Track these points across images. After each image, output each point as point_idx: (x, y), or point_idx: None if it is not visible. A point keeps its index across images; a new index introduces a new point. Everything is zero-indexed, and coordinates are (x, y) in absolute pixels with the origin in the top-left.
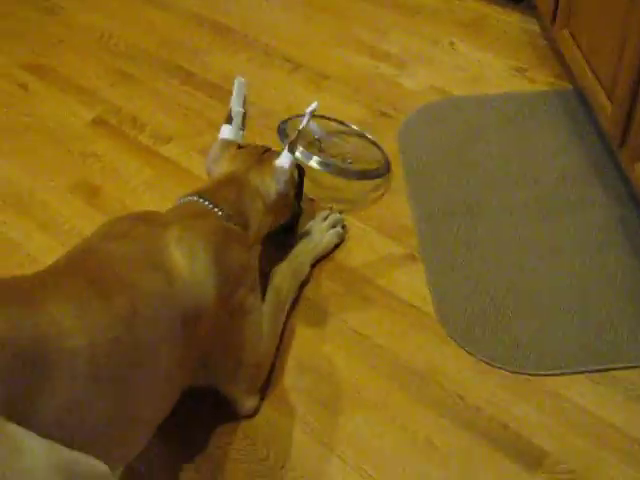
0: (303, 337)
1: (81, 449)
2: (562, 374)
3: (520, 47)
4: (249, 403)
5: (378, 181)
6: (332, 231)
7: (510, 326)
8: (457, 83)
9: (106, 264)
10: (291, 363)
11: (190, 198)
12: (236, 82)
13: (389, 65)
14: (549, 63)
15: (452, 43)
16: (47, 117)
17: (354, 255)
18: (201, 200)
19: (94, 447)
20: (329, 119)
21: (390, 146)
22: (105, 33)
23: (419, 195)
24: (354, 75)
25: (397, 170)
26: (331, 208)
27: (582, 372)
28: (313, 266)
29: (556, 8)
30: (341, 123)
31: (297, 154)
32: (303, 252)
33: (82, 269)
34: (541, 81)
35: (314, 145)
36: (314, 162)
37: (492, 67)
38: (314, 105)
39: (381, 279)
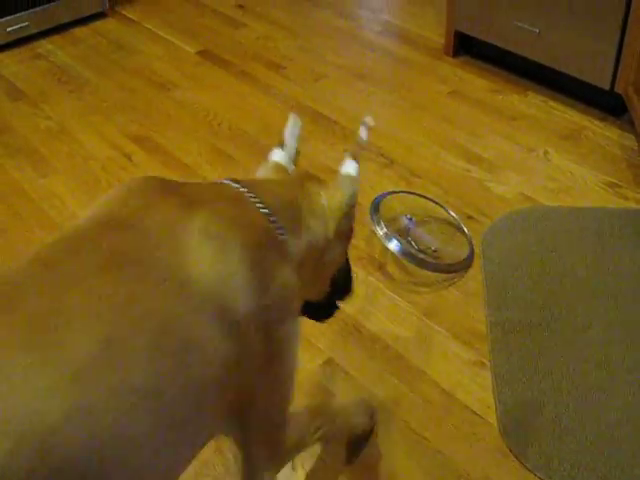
0: None
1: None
2: None
3: (615, 162)
4: (269, 474)
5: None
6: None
7: (572, 447)
8: (547, 193)
9: (95, 242)
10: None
11: (225, 182)
12: (291, 118)
13: (481, 169)
14: None
15: (547, 152)
16: None
17: (423, 355)
18: (240, 188)
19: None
20: (430, 200)
21: None
22: (210, 112)
23: (496, 301)
24: (445, 176)
25: (477, 274)
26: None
27: None
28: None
29: None
30: (440, 206)
31: (380, 233)
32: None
33: (52, 265)
34: (633, 199)
35: (403, 232)
36: (395, 248)
37: (584, 180)
38: (369, 120)
39: (447, 383)
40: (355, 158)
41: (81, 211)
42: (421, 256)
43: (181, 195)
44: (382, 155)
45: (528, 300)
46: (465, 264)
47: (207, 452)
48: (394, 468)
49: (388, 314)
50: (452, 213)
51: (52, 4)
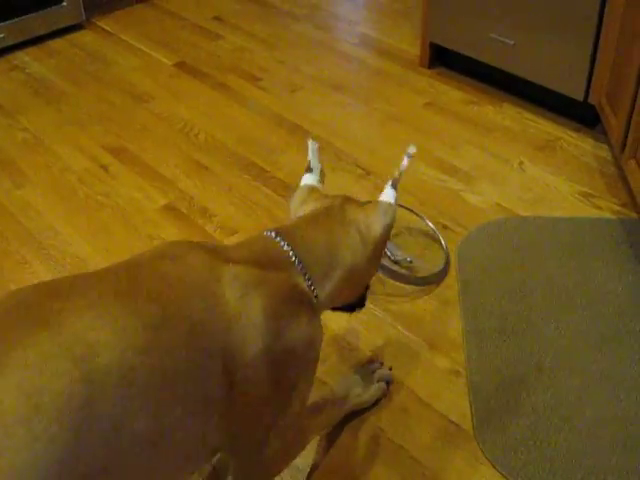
0: (338, 439)
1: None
2: None
3: (589, 173)
4: None
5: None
6: (377, 385)
7: (549, 455)
8: (522, 203)
9: (143, 277)
10: (322, 463)
11: (266, 234)
12: (310, 144)
13: (457, 180)
14: (617, 191)
15: (521, 163)
16: (122, 199)
17: (399, 364)
18: (277, 239)
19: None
20: (406, 208)
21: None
22: (187, 124)
23: (471, 310)
24: (421, 187)
25: (453, 284)
26: (382, 363)
27: None
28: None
29: (626, 137)
30: (417, 215)
31: None
32: (344, 397)
33: (112, 275)
34: (607, 208)
35: None
36: None
37: (559, 190)
38: (413, 149)
39: (423, 391)
40: (394, 186)
41: (57, 222)
42: (395, 268)
43: (220, 252)
44: (358, 166)
45: (503, 309)
46: (440, 276)
47: None
48: (371, 477)
49: (364, 323)
50: (429, 223)
51: (28, 16)
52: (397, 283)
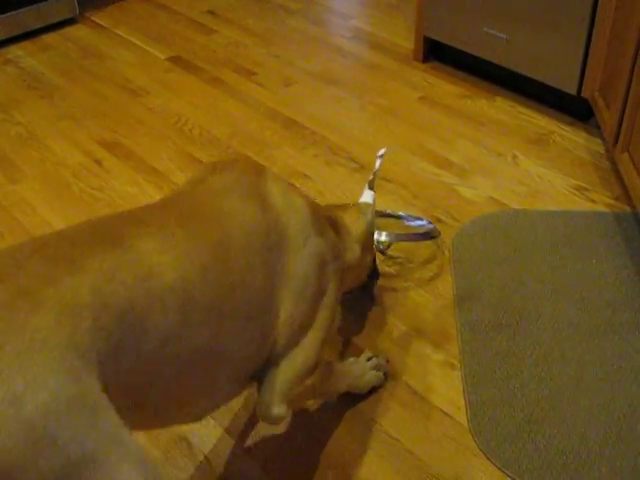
0: (332, 432)
1: (174, 390)
2: None
3: (583, 166)
4: (278, 410)
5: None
6: (375, 372)
7: (543, 446)
8: (516, 197)
9: (198, 195)
10: (318, 456)
11: None
12: None
13: (450, 173)
14: (610, 185)
15: (515, 157)
16: (116, 193)
17: (393, 357)
18: None
19: (187, 388)
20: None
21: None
22: (181, 118)
23: (465, 303)
24: (415, 180)
25: (446, 277)
26: (377, 356)
27: None
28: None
29: (619, 131)
30: (382, 214)
31: None
32: (344, 372)
33: (171, 204)
34: (601, 202)
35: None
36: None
37: (552, 184)
38: (384, 150)
39: (418, 384)
40: (372, 188)
41: (52, 217)
42: (398, 231)
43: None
44: (352, 160)
45: (497, 302)
46: (435, 232)
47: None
48: (366, 470)
49: (358, 316)
50: (401, 213)
51: (22, 10)
52: (391, 273)
